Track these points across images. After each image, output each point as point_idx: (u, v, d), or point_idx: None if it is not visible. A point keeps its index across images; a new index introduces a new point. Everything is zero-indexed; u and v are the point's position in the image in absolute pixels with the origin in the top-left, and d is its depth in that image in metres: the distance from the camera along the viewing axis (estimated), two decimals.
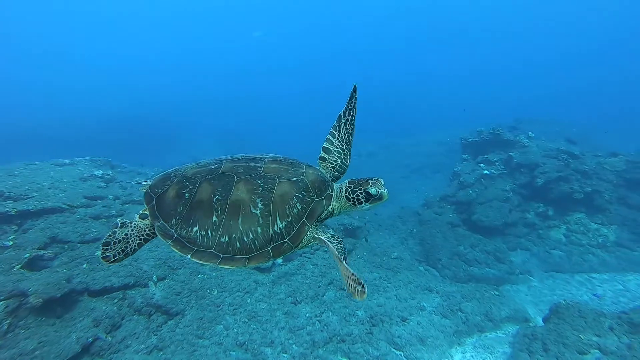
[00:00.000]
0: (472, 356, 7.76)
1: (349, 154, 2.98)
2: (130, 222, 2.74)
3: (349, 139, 3.02)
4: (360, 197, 2.61)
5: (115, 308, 6.69)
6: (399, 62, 75.68)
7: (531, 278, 10.81)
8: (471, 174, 13.47)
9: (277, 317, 7.51)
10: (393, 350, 7.49)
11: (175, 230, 2.45)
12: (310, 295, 8.20)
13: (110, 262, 2.58)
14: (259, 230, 2.37)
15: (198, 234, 2.40)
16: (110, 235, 2.63)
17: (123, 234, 2.67)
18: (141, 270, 7.51)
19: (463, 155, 15.43)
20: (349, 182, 2.73)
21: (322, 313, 7.88)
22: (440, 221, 12.40)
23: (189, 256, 2.39)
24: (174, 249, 2.43)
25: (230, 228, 2.36)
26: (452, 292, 9.15)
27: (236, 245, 2.37)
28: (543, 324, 8.20)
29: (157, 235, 2.58)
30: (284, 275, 8.56)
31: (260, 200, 2.40)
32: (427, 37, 76.14)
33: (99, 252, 2.59)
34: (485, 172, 13.23)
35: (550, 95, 48.40)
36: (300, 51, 79.02)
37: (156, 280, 7.46)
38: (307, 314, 7.76)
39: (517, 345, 7.63)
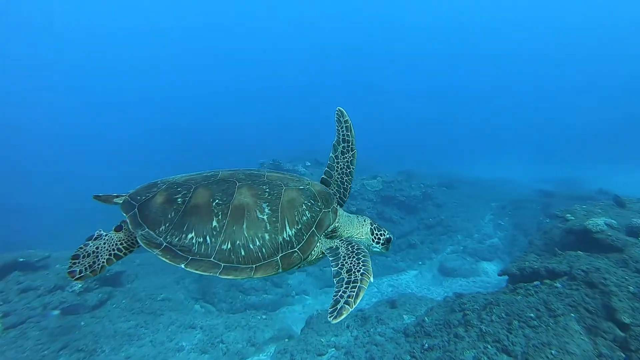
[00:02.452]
0: None
1: (350, 186, 2.82)
2: (106, 235, 2.38)
3: (349, 168, 2.81)
4: (381, 239, 2.72)
5: None
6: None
7: (307, 297, 11.36)
8: None
9: None
10: None
11: (164, 238, 2.15)
12: None
13: (75, 279, 2.18)
14: (267, 237, 2.17)
15: (194, 240, 2.13)
16: (81, 248, 2.30)
17: (94, 247, 2.32)
18: None
19: None
20: (370, 219, 2.80)
21: None
22: None
23: (182, 266, 2.09)
24: (163, 259, 2.10)
25: (233, 234, 2.13)
26: (216, 325, 8.89)
27: (240, 253, 2.13)
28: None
29: (132, 250, 2.32)
30: None
31: (267, 205, 2.23)
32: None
33: (66, 266, 2.19)
34: None
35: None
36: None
37: None
38: None
39: None
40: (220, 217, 2.17)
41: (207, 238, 2.15)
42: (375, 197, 14.64)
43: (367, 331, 7.59)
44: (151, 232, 2.20)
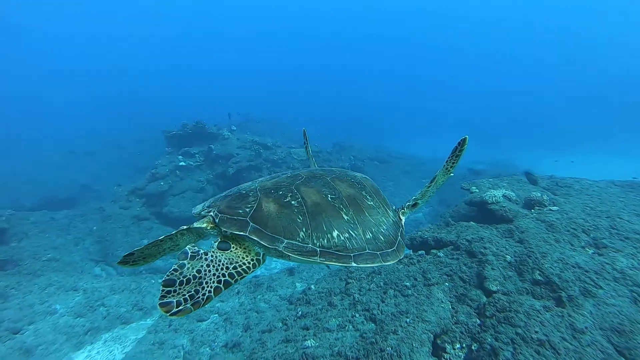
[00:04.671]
0: (98, 352, 6.85)
1: None
2: (205, 253, 1.70)
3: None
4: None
5: None
6: None
7: None
8: (167, 165, 12.88)
9: None
10: None
11: (314, 243, 1.90)
12: None
13: (171, 314, 1.49)
14: (385, 220, 2.24)
15: (342, 237, 1.98)
16: (175, 271, 1.58)
17: (194, 270, 1.61)
18: None
19: (167, 149, 14.70)
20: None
21: None
22: (125, 216, 11.37)
23: (354, 264, 1.94)
24: (329, 263, 1.89)
25: (364, 223, 2.10)
26: (101, 287, 8.14)
27: (380, 238, 2.11)
28: None
29: (244, 276, 1.76)
30: None
31: (365, 193, 2.33)
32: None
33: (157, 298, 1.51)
34: (182, 163, 12.88)
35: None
36: None
37: None
38: None
39: (152, 328, 7.12)
40: (344, 210, 2.09)
41: (351, 232, 2.03)
42: (300, 166, 14.13)
43: (254, 298, 7.17)
44: (293, 242, 1.89)
